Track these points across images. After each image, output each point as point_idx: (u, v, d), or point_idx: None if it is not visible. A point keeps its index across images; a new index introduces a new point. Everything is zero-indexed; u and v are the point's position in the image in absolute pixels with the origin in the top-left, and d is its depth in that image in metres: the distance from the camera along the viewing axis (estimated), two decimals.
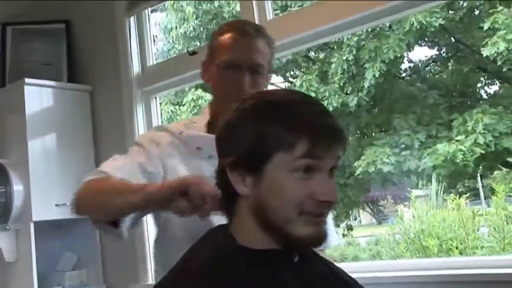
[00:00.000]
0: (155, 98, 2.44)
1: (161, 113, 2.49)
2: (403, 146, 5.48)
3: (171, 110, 6.43)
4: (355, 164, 5.49)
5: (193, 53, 2.22)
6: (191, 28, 6.46)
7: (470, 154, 4.90)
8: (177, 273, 0.90)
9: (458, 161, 4.89)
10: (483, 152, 4.88)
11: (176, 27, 6.59)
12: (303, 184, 0.83)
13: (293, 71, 6.77)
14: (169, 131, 1.28)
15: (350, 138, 6.10)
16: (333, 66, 5.77)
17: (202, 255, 0.89)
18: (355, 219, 8.08)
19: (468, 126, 5.02)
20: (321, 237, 0.87)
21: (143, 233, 2.26)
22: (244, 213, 0.88)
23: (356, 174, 5.53)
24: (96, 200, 1.12)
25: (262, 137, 0.84)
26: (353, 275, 0.99)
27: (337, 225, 6.55)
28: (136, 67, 2.43)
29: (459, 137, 5.04)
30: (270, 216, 0.84)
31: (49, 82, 2.44)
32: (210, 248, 0.89)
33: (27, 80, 2.33)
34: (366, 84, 5.55)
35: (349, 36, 5.64)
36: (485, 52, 4.87)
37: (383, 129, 6.16)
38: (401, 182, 6.01)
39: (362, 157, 5.45)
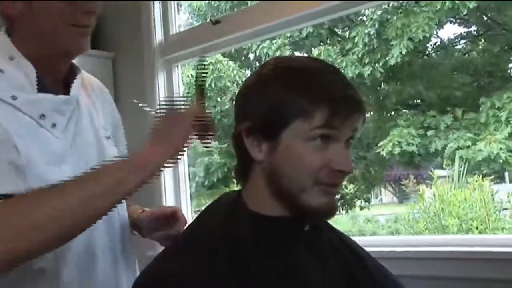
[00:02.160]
0: (177, 66, 2.44)
1: (182, 80, 2.49)
2: (428, 126, 5.40)
3: (191, 74, 6.41)
4: (381, 143, 5.44)
5: (216, 22, 2.20)
6: None
7: (507, 149, 4.78)
8: (187, 239, 0.90)
9: (501, 161, 4.78)
10: None
11: None
12: (319, 153, 0.82)
13: (317, 46, 6.70)
14: None
15: (370, 111, 6.05)
16: (356, 39, 5.70)
17: (213, 221, 0.88)
18: (377, 198, 8.05)
19: (498, 113, 4.88)
20: (333, 209, 0.86)
21: (162, 200, 2.29)
22: (258, 179, 0.87)
23: (380, 153, 5.48)
24: (53, 212, 0.80)
25: (280, 104, 0.83)
26: (370, 249, 0.99)
27: (357, 198, 6.55)
28: (159, 35, 2.42)
29: (490, 129, 4.89)
30: (284, 184, 0.84)
31: None
32: (222, 213, 0.89)
33: None
34: (392, 62, 5.47)
35: (373, 10, 5.55)
36: None
37: (405, 103, 6.08)
38: (425, 163, 5.95)
39: (388, 138, 5.39)
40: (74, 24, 0.98)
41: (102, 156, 1.07)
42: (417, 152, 5.35)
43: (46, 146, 0.95)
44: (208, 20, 2.27)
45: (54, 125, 0.98)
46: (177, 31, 2.46)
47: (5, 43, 0.98)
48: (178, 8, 2.54)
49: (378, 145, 5.47)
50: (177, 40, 2.39)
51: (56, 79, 1.04)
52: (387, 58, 5.48)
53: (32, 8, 0.96)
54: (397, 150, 5.28)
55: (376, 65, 5.56)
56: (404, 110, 6.07)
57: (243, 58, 6.72)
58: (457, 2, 5.08)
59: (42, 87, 0.98)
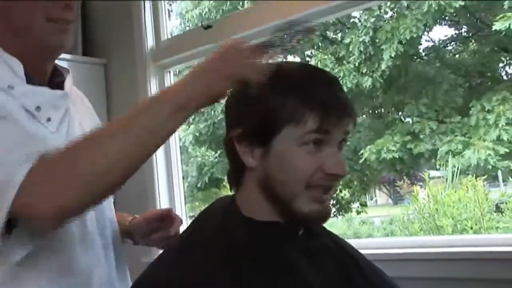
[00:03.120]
0: (169, 72, 2.44)
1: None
2: (414, 132, 5.44)
3: None
4: (362, 151, 5.50)
5: (208, 27, 2.20)
6: (206, 9, 6.46)
7: (495, 153, 4.80)
8: (183, 246, 0.89)
9: (489, 167, 4.79)
10: (507, 150, 4.78)
11: (191, 9, 6.59)
12: (312, 157, 0.82)
13: (309, 50, 6.72)
14: None
15: (364, 116, 6.07)
16: (350, 47, 5.72)
17: (208, 226, 0.88)
18: (371, 199, 8.07)
19: (488, 116, 4.91)
20: (326, 215, 0.87)
21: (155, 203, 2.28)
22: (250, 185, 0.87)
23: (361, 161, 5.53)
24: (97, 153, 0.77)
25: (272, 110, 0.83)
26: (365, 252, 0.98)
27: (352, 202, 6.58)
28: (150, 41, 2.42)
29: (480, 132, 4.91)
30: (277, 189, 0.84)
31: (64, 55, 2.41)
32: (216, 219, 0.89)
33: None
34: (383, 66, 5.49)
35: (366, 17, 5.58)
36: (496, 26, 4.76)
37: (398, 110, 6.12)
38: (416, 165, 5.98)
39: (368, 146, 5.45)
40: (51, 19, 0.96)
41: None
42: (398, 157, 5.39)
43: (42, 140, 0.93)
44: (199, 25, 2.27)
45: (49, 119, 0.96)
46: (169, 37, 2.46)
47: None
48: (169, 13, 2.54)
49: (360, 153, 5.53)
50: (169, 45, 2.39)
51: (42, 79, 1.01)
52: (380, 65, 5.52)
53: (8, 4, 0.94)
54: (372, 157, 5.32)
55: (375, 74, 5.59)
56: (397, 116, 6.10)
57: None
58: (442, 3, 5.13)
59: (31, 83, 0.96)
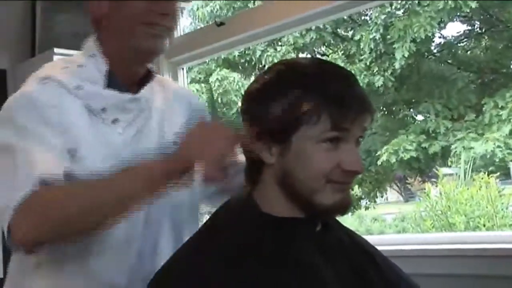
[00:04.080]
0: (182, 68, 2.45)
1: (188, 86, 2.49)
2: (429, 131, 5.42)
3: (196, 89, 6.46)
4: (379, 152, 5.48)
5: (221, 23, 2.21)
6: (218, 7, 6.47)
7: (506, 147, 4.77)
8: (199, 243, 0.90)
9: (496, 159, 4.77)
10: None
11: (202, 6, 6.60)
12: (330, 154, 0.82)
13: (320, 47, 6.70)
14: (62, 84, 0.98)
15: (378, 114, 6.06)
16: (361, 45, 5.70)
17: (225, 222, 0.89)
18: (382, 197, 8.06)
19: (501, 113, 4.88)
20: (347, 204, 0.86)
21: None
22: (269, 181, 0.87)
23: (379, 164, 5.51)
24: (82, 199, 0.86)
25: (290, 108, 0.83)
26: (377, 248, 0.99)
27: (362, 199, 6.58)
28: None
29: (493, 128, 4.88)
30: (297, 186, 0.84)
31: (78, 52, 2.45)
32: (234, 215, 0.90)
33: (56, 50, 2.33)
34: (397, 65, 5.46)
35: (377, 14, 5.55)
36: None
37: (411, 108, 6.10)
38: (432, 164, 5.96)
39: (385, 147, 5.42)
40: (149, 23, 1.00)
41: None
42: (415, 157, 5.37)
43: (103, 140, 0.97)
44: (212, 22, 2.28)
45: (115, 120, 1.00)
46: (182, 34, 2.47)
47: (91, 44, 1.04)
48: (182, 11, 2.55)
49: (376, 154, 5.51)
50: (182, 42, 2.40)
51: (131, 80, 1.06)
52: (393, 64, 5.49)
53: (115, 8, 1.01)
54: (393, 158, 5.31)
55: (386, 73, 5.56)
56: (408, 112, 6.09)
57: (248, 66, 6.73)
58: (460, 1, 5.09)
59: (113, 84, 1.02)
